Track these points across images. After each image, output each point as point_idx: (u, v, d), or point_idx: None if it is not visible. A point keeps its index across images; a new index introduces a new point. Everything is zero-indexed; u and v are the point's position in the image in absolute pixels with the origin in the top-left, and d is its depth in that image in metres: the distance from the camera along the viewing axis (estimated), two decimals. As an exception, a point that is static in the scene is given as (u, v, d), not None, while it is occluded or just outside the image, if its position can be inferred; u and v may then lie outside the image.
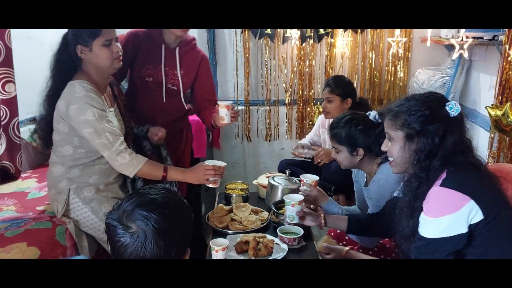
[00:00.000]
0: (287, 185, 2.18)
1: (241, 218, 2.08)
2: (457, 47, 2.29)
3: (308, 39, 3.33)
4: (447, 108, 1.30)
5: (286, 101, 3.50)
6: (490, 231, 1.20)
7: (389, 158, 1.43)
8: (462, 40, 2.30)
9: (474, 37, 2.33)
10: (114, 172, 1.84)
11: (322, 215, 1.73)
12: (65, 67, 1.74)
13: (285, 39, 3.35)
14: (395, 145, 1.36)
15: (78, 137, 1.74)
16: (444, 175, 1.26)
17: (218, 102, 2.05)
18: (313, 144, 2.83)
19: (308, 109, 3.49)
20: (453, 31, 3.08)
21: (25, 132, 2.48)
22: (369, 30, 3.29)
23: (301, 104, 3.49)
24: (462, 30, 2.25)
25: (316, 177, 1.95)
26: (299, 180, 2.03)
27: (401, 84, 3.36)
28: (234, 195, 2.23)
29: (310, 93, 3.47)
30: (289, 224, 1.80)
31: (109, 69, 1.77)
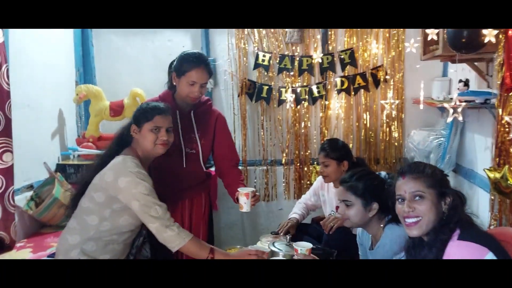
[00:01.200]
0: (287, 251, 2.15)
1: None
2: (451, 111, 2.34)
3: (303, 102, 3.40)
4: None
5: (283, 161, 3.51)
6: None
7: (409, 220, 1.41)
8: (455, 104, 2.35)
9: (466, 101, 2.39)
10: (123, 256, 1.88)
11: None
12: (120, 141, 1.93)
13: (280, 102, 3.42)
14: (426, 203, 1.39)
15: (111, 209, 1.78)
16: (458, 230, 1.32)
17: (238, 189, 2.09)
18: (310, 206, 2.81)
19: (306, 168, 3.49)
20: (444, 93, 3.17)
21: (22, 199, 2.46)
22: (362, 92, 3.37)
23: (298, 164, 3.50)
24: (455, 95, 2.31)
25: (310, 245, 1.90)
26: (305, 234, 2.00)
27: (396, 144, 3.40)
28: None
29: (307, 153, 3.49)
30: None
31: (151, 151, 1.90)
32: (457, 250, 1.26)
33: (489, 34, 2.13)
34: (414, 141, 3.12)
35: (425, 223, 1.38)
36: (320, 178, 2.80)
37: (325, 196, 2.72)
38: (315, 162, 3.47)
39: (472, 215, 1.40)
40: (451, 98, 2.86)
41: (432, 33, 2.49)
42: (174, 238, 1.73)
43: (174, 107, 2.17)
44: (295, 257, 1.89)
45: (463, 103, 2.39)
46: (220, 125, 2.35)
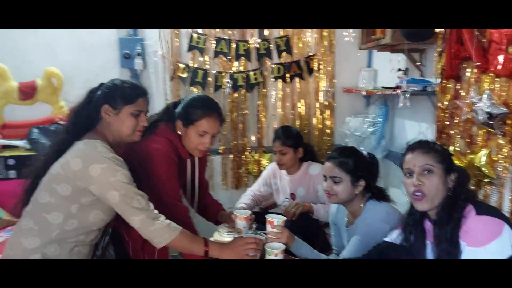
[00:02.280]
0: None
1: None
2: (401, 97, 2.48)
3: (240, 88, 3.30)
4: None
5: (220, 150, 3.38)
6: None
7: (419, 193, 1.42)
8: (404, 90, 2.49)
9: (412, 88, 2.55)
10: (86, 256, 1.61)
11: None
12: (81, 122, 1.61)
13: (216, 88, 3.28)
14: (434, 178, 1.40)
15: (79, 204, 1.50)
16: (471, 206, 1.37)
17: (235, 213, 1.92)
18: (259, 196, 2.74)
19: (243, 157, 3.41)
20: (367, 83, 3.35)
21: None
22: (297, 80, 3.40)
23: (236, 153, 3.40)
24: (404, 83, 2.45)
25: (284, 217, 1.80)
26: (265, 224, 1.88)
27: (328, 131, 3.50)
28: None
29: (245, 141, 3.41)
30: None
31: (126, 138, 1.65)
32: (479, 224, 1.31)
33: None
34: (350, 128, 3.25)
35: (433, 197, 1.41)
36: (270, 166, 2.76)
37: (278, 184, 2.68)
38: (253, 151, 3.42)
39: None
40: (384, 87, 3.04)
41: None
42: (163, 231, 1.51)
43: (185, 154, 1.92)
44: (269, 230, 1.76)
45: (411, 89, 2.55)
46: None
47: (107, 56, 3.21)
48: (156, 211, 1.55)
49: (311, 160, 2.63)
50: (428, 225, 1.49)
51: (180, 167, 1.93)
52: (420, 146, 1.48)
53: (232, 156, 3.41)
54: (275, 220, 1.75)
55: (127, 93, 1.63)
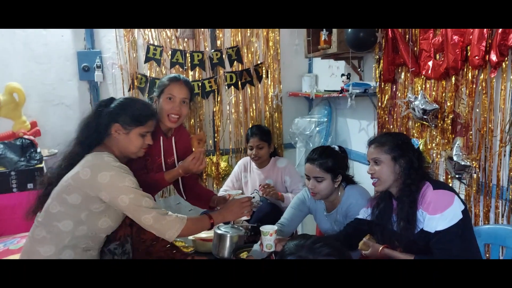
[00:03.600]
0: (234, 232, 2.23)
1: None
2: (349, 99, 2.85)
3: (196, 96, 3.50)
4: (412, 141, 1.79)
5: (180, 156, 3.55)
6: (468, 216, 1.68)
7: (373, 180, 1.75)
8: (350, 92, 2.87)
9: (355, 90, 2.94)
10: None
11: None
12: (91, 136, 1.71)
13: (174, 96, 3.44)
14: (383, 166, 1.72)
15: (88, 211, 1.60)
16: (427, 183, 1.69)
17: (228, 193, 2.17)
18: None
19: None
20: (311, 87, 3.73)
21: None
22: (248, 86, 3.68)
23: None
24: (350, 86, 2.83)
25: (275, 227, 1.96)
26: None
27: (278, 131, 3.82)
28: None
29: (202, 146, 3.61)
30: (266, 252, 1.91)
31: (132, 155, 1.78)
32: (436, 196, 1.64)
33: (379, 35, 2.71)
34: (299, 128, 3.59)
35: (383, 181, 1.74)
36: (240, 162, 2.97)
37: (247, 177, 2.92)
38: (211, 154, 3.63)
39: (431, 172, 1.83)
40: (328, 90, 3.43)
41: (324, 34, 2.99)
42: (174, 222, 1.64)
43: (159, 132, 2.07)
44: (271, 238, 1.90)
45: (355, 91, 2.94)
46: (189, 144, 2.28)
47: (63, 69, 3.24)
48: (163, 208, 1.68)
49: (277, 155, 2.95)
50: (394, 202, 1.83)
51: (155, 145, 2.05)
52: (374, 141, 1.79)
53: (192, 160, 3.59)
54: (264, 230, 1.88)
55: (138, 114, 1.73)
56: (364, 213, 1.93)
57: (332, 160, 2.03)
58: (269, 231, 1.87)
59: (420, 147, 2.48)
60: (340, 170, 2.05)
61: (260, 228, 1.91)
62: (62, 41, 3.22)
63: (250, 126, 2.98)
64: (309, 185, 2.07)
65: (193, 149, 2.18)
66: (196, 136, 2.25)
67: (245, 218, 1.96)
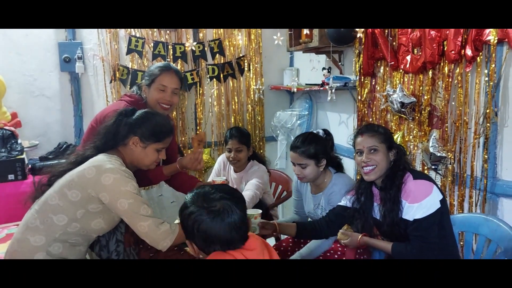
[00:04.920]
0: None
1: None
2: (329, 91, 2.91)
3: (179, 88, 3.51)
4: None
5: (162, 148, 3.55)
6: (445, 205, 1.75)
7: (367, 168, 1.80)
8: (330, 86, 2.93)
9: (336, 84, 3.00)
10: (85, 255, 1.76)
11: (275, 223, 2.01)
12: (108, 142, 1.75)
13: (156, 88, 3.44)
14: (380, 154, 1.78)
15: (84, 210, 1.61)
16: (408, 173, 1.77)
17: (213, 179, 2.22)
18: None
19: (185, 154, 3.61)
20: (292, 80, 3.77)
21: None
22: (230, 79, 3.70)
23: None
24: (331, 80, 2.89)
25: (259, 211, 2.03)
26: None
27: (259, 125, 3.86)
28: None
29: (183, 139, 3.62)
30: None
31: (144, 167, 1.83)
32: (415, 186, 1.72)
33: (359, 31, 2.77)
34: (280, 121, 3.64)
35: (379, 169, 1.80)
36: (220, 159, 2.95)
37: (225, 175, 2.90)
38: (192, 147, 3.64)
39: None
40: (309, 84, 3.48)
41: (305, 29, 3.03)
42: (168, 232, 1.64)
43: None
44: (256, 221, 1.98)
45: (335, 85, 3.00)
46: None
47: (44, 60, 3.20)
48: (159, 218, 1.67)
49: (256, 159, 2.86)
50: (375, 190, 1.89)
51: None
52: (367, 130, 1.84)
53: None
54: (255, 213, 1.95)
55: (158, 131, 1.78)
56: (345, 200, 2.00)
57: (314, 147, 2.09)
58: (253, 214, 1.93)
59: (398, 140, 2.57)
60: (323, 155, 2.11)
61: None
62: (43, 32, 3.17)
63: (230, 128, 2.90)
64: (295, 171, 2.15)
65: (193, 149, 2.27)
66: (196, 137, 2.30)
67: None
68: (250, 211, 1.94)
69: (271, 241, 2.89)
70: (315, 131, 2.23)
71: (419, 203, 1.68)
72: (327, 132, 2.25)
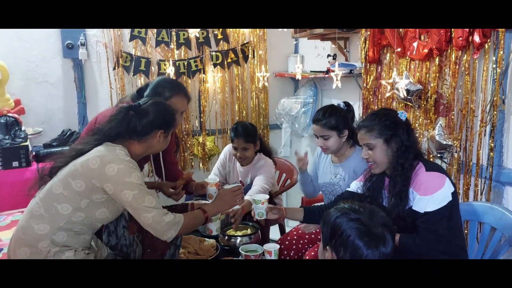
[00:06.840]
0: None
1: (194, 250, 2.13)
2: (335, 79, 2.88)
3: (182, 75, 3.49)
4: (399, 115, 1.77)
5: (166, 135, 3.54)
6: (456, 197, 1.70)
7: (368, 163, 1.78)
8: (336, 73, 2.89)
9: (341, 71, 2.96)
10: (89, 243, 1.74)
11: (282, 208, 2.01)
12: (121, 132, 1.71)
13: (159, 75, 3.42)
14: (376, 150, 1.74)
15: (89, 200, 1.60)
16: (420, 163, 1.71)
17: (206, 180, 2.19)
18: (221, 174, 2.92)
19: (189, 142, 3.62)
20: (296, 67, 3.74)
21: None
22: (234, 66, 3.67)
23: (180, 136, 3.59)
24: (336, 66, 2.85)
25: (267, 196, 2.03)
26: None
27: (263, 112, 3.84)
28: None
29: (187, 126, 3.61)
30: (258, 220, 1.99)
31: (155, 152, 1.90)
32: (428, 178, 1.67)
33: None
34: (285, 108, 3.61)
35: (379, 164, 1.77)
36: (226, 149, 2.89)
37: (231, 167, 2.87)
38: (197, 134, 3.63)
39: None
40: (314, 71, 3.45)
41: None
42: (172, 222, 1.65)
43: None
44: (264, 206, 1.97)
45: (341, 72, 2.97)
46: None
47: (47, 46, 3.19)
48: (163, 208, 1.67)
49: (262, 151, 2.79)
50: (386, 180, 1.85)
51: None
52: (364, 125, 1.78)
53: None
54: (263, 199, 1.95)
55: (173, 118, 1.81)
56: (355, 186, 1.97)
57: (335, 118, 2.12)
58: (261, 199, 1.94)
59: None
60: (345, 126, 2.14)
61: (252, 197, 2.00)
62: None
63: (235, 124, 2.76)
64: (318, 144, 2.20)
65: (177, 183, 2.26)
66: (186, 177, 2.29)
67: (237, 207, 2.01)
68: (257, 196, 1.98)
69: (276, 231, 2.91)
70: (336, 104, 2.24)
71: (431, 195, 1.65)
72: (347, 104, 2.25)
